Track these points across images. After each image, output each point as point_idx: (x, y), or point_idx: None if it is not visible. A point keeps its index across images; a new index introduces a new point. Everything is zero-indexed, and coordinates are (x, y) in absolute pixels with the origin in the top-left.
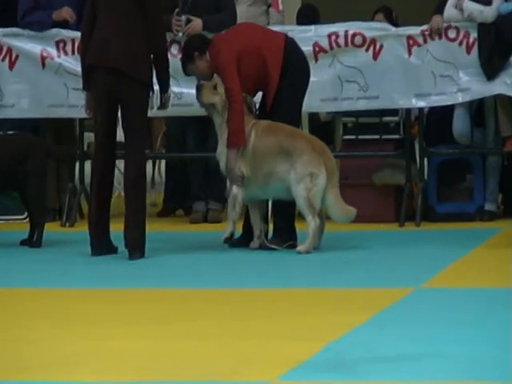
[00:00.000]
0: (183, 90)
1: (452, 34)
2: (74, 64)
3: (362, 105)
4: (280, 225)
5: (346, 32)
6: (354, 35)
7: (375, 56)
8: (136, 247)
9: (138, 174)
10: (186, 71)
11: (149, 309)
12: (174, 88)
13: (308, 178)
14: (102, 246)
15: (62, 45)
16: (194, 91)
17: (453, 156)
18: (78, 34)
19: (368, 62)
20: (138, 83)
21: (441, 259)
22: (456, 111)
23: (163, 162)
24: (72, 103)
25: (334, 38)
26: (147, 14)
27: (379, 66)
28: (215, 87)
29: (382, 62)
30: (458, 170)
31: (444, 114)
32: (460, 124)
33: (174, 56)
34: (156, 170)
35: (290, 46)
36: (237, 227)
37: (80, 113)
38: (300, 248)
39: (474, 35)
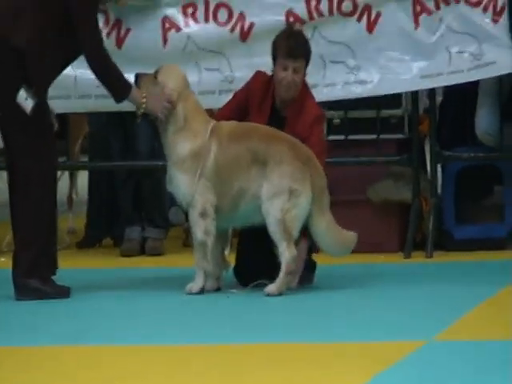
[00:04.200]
0: None
1: None
2: None
3: (352, 93)
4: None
5: None
6: (341, 0)
7: (370, 28)
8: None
9: None
10: None
11: (60, 372)
12: None
13: (285, 195)
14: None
15: None
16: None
17: (476, 162)
18: None
19: (360, 35)
20: None
21: (460, 302)
22: (480, 101)
23: (84, 174)
24: None
25: (314, 3)
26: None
27: (375, 41)
28: (155, 76)
29: (380, 35)
30: (483, 181)
31: (464, 104)
32: (485, 118)
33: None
34: (75, 185)
35: None
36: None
37: None
38: (269, 289)
39: None
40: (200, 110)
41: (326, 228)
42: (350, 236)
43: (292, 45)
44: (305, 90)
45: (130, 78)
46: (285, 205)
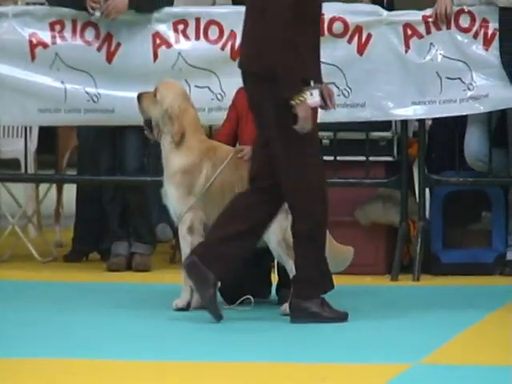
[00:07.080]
0: (100, 91)
1: (465, 22)
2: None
3: (341, 115)
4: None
5: (322, 16)
6: (332, 21)
7: (361, 49)
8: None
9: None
10: None
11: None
12: (89, 88)
13: (281, 214)
14: None
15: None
16: (113, 93)
17: (464, 186)
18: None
19: (351, 57)
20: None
21: (446, 326)
22: (469, 126)
23: (71, 188)
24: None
25: None
26: None
27: (366, 64)
28: (155, 94)
29: (370, 57)
30: (472, 206)
31: (453, 129)
32: (475, 143)
33: (88, 44)
34: (63, 199)
35: None
36: None
37: None
38: (285, 308)
39: (493, 24)
40: (197, 127)
41: None
42: (346, 250)
43: None
44: None
45: (121, 93)
46: (282, 223)
